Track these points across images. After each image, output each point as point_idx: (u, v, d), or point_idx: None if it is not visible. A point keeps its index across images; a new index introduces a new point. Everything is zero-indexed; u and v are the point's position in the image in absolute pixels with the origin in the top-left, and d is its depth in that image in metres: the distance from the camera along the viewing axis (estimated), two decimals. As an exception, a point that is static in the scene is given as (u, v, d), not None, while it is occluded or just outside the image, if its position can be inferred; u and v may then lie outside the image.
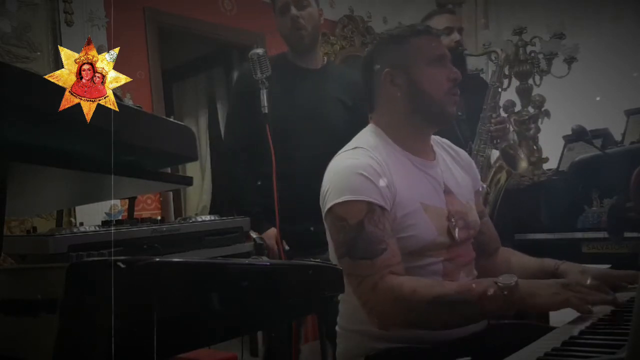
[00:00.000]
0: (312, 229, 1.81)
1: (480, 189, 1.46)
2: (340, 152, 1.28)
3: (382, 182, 1.16)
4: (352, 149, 1.24)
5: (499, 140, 2.20)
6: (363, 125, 1.89)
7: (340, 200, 1.15)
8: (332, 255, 1.23)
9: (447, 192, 1.28)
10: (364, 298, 1.12)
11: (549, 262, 1.32)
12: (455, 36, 2.33)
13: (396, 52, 1.28)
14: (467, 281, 1.18)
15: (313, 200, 1.74)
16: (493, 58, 2.51)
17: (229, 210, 2.01)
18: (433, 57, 1.26)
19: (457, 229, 1.23)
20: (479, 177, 1.49)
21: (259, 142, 1.82)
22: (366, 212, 1.13)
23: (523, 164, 2.18)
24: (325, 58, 2.11)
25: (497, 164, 2.16)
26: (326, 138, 1.82)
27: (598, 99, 3.53)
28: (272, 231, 1.83)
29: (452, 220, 1.23)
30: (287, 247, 1.81)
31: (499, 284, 1.02)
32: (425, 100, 1.25)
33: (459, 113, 2.26)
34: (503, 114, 2.74)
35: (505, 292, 1.01)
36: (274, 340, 1.99)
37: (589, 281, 1.05)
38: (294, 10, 1.85)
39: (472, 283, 1.10)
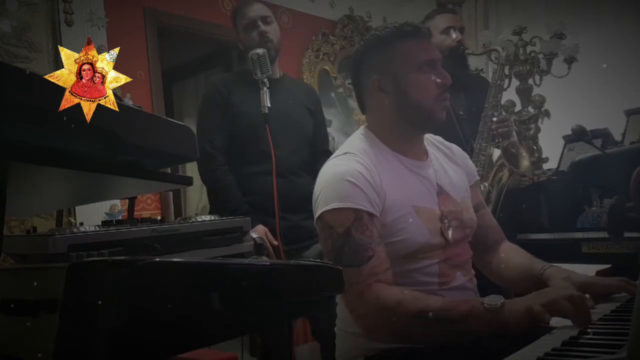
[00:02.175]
0: (294, 222, 2.03)
1: (485, 186, 1.46)
2: (331, 157, 1.28)
3: (369, 189, 1.16)
4: (342, 154, 1.25)
5: (501, 139, 2.20)
6: (323, 127, 2.23)
7: (328, 208, 1.16)
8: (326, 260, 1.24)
9: (441, 192, 1.28)
10: (351, 305, 1.13)
11: (536, 265, 1.29)
12: (457, 35, 2.34)
13: (383, 57, 1.26)
14: (453, 298, 1.18)
15: (294, 196, 2.01)
16: (493, 58, 2.50)
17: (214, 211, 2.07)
18: (421, 62, 1.24)
19: (450, 230, 1.23)
20: (475, 169, 1.48)
21: (234, 145, 2.06)
22: (353, 219, 1.13)
23: (525, 163, 2.17)
24: (281, 71, 2.26)
25: (499, 163, 2.15)
26: (299, 138, 2.14)
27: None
28: (260, 227, 1.93)
29: (445, 221, 1.23)
30: (275, 242, 1.92)
31: (486, 305, 1.01)
32: (412, 107, 1.25)
33: (460, 112, 2.27)
34: (503, 114, 2.74)
35: (491, 314, 1.00)
36: (270, 340, 2.03)
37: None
38: (262, 27, 2.09)
39: (458, 301, 1.10)
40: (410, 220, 1.19)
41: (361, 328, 1.14)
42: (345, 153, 1.24)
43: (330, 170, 1.23)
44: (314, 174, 2.23)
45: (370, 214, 1.15)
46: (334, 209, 1.15)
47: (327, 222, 1.16)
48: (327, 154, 2.29)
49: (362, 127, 1.34)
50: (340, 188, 1.16)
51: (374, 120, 1.32)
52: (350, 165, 1.19)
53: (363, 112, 1.36)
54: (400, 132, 1.28)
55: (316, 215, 1.20)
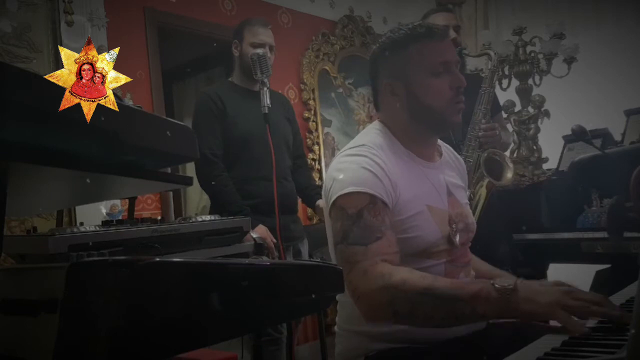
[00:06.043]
0: (285, 223, 2.14)
1: (468, 193, 1.48)
2: (346, 147, 1.27)
3: (386, 180, 1.16)
4: (359, 145, 1.23)
5: (487, 147, 2.17)
6: (298, 134, 2.51)
7: (343, 192, 1.15)
8: (331, 248, 1.23)
9: (450, 194, 1.28)
10: (354, 284, 1.09)
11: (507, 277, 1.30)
12: (452, 34, 2.33)
13: (396, 61, 1.26)
14: (462, 279, 1.17)
15: (285, 199, 2.16)
16: (492, 58, 2.49)
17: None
18: (435, 64, 1.22)
19: (457, 233, 1.23)
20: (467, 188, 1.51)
21: (228, 152, 2.21)
22: (367, 202, 1.12)
23: (508, 174, 2.11)
24: None
25: (478, 173, 2.09)
26: (285, 145, 2.35)
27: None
28: (261, 227, 2.04)
29: (453, 224, 1.23)
30: (275, 241, 2.01)
31: (496, 286, 0.98)
32: (425, 111, 1.24)
33: None
34: (503, 114, 2.73)
35: (502, 295, 0.97)
36: (263, 340, 2.07)
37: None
38: (268, 54, 2.26)
39: (467, 281, 1.08)
40: (424, 219, 1.19)
41: (361, 309, 1.10)
42: (362, 145, 1.23)
43: (346, 159, 1.22)
44: (293, 178, 2.37)
45: (384, 203, 1.14)
46: (349, 193, 1.14)
47: (340, 205, 1.15)
48: (302, 156, 2.52)
49: (376, 122, 1.33)
50: (356, 174, 1.16)
51: (388, 118, 1.31)
52: (367, 156, 1.18)
53: (377, 111, 1.36)
54: (413, 133, 1.28)
55: (330, 201, 1.19)
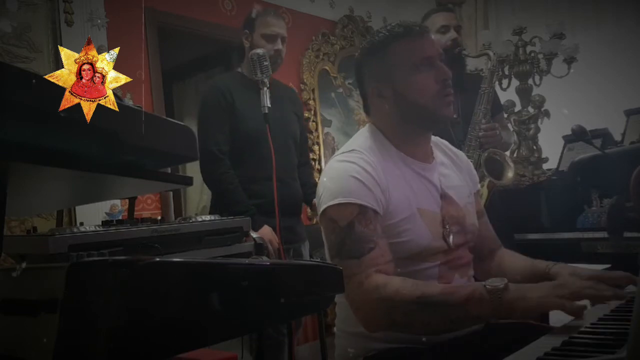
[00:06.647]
0: (289, 225, 2.13)
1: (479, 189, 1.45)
2: (337, 153, 1.28)
3: (375, 187, 1.16)
4: (349, 151, 1.24)
5: (487, 147, 2.17)
6: (304, 130, 2.41)
7: (333, 202, 1.16)
8: (327, 255, 1.23)
9: (444, 196, 1.27)
10: (351, 297, 1.12)
11: (540, 264, 1.29)
12: (452, 34, 2.32)
13: (379, 63, 1.26)
14: (453, 284, 1.17)
15: (289, 200, 2.15)
16: (491, 57, 2.49)
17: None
18: (417, 61, 1.23)
19: (451, 235, 1.23)
20: (477, 178, 1.48)
21: (234, 149, 2.15)
22: (357, 213, 1.13)
23: (509, 174, 2.11)
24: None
25: (479, 173, 2.09)
26: (291, 142, 2.28)
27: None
28: (266, 228, 2.02)
29: (447, 226, 1.23)
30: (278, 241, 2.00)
31: (487, 287, 1.00)
32: (414, 108, 1.24)
33: (454, 115, 2.25)
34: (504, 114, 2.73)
35: (494, 296, 0.98)
36: (265, 340, 2.07)
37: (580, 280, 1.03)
38: (280, 45, 2.24)
39: (459, 286, 1.08)
40: (414, 222, 1.19)
41: (361, 320, 1.13)
42: (352, 150, 1.23)
43: (336, 166, 1.22)
44: (299, 176, 2.33)
45: (375, 211, 1.15)
46: (338, 204, 1.15)
47: (330, 216, 1.16)
48: (306, 154, 2.49)
49: (368, 125, 1.34)
50: (345, 184, 1.16)
51: (379, 121, 1.31)
52: (356, 163, 1.19)
53: (367, 115, 1.36)
54: (405, 134, 1.28)
55: (320, 210, 1.20)
